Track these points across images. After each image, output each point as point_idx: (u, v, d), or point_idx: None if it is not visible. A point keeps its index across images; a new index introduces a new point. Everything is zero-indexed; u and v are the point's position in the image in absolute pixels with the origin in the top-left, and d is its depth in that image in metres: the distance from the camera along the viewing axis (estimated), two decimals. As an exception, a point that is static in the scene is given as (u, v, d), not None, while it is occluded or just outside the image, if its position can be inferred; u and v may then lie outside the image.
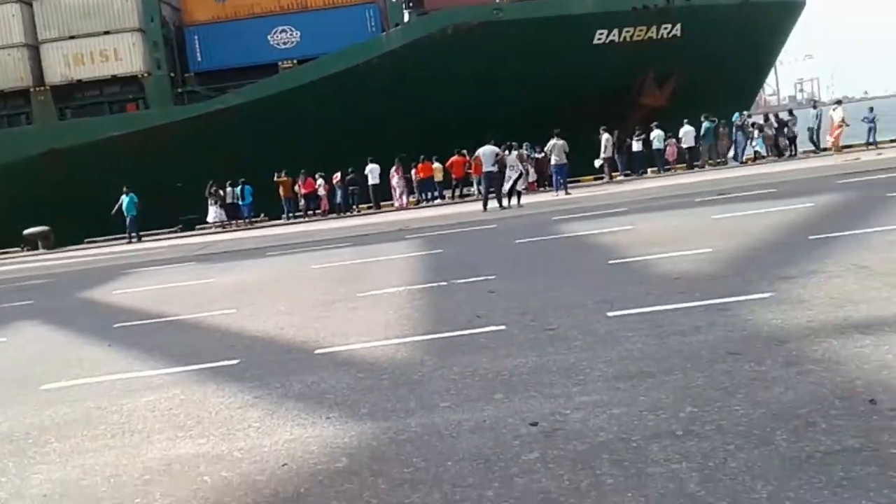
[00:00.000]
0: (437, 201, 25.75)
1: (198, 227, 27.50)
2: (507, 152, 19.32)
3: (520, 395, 4.46)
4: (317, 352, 6.34)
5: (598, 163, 25.14)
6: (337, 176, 25.87)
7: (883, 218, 9.48)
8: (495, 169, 18.68)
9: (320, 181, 25.98)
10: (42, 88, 28.75)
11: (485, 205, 18.87)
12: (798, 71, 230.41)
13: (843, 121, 23.97)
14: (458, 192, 25.92)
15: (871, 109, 24.75)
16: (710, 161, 25.31)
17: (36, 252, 25.52)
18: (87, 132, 27.55)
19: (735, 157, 25.48)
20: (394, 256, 12.31)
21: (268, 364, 6.15)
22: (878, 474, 2.90)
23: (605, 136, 24.23)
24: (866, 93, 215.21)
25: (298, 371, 5.77)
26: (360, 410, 4.59)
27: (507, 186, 18.87)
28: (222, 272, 13.15)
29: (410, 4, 30.74)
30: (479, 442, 3.80)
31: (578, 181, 25.56)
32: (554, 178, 22.33)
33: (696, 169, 24.98)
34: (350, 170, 25.54)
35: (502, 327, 6.32)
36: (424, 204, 25.79)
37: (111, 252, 21.60)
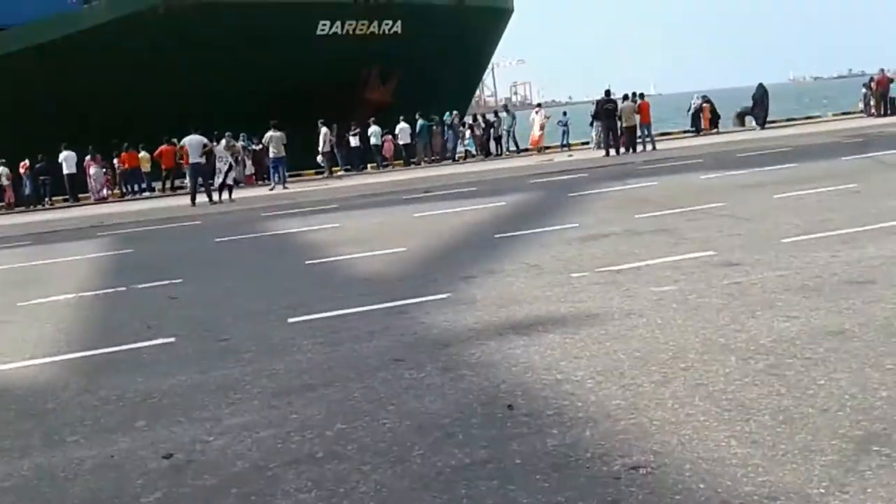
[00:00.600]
0: (146, 194, 23.94)
1: None
2: (215, 142, 18.34)
3: (164, 422, 4.01)
4: (-61, 378, 5.34)
5: (320, 158, 24.90)
6: (25, 164, 23.00)
7: (560, 217, 10.24)
8: (203, 160, 17.65)
9: (3, 169, 22.91)
10: None
11: (193, 199, 17.78)
12: (513, 74, 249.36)
13: (542, 124, 26.04)
14: (168, 185, 24.24)
15: (565, 114, 27.14)
16: (425, 158, 26.19)
17: None
18: None
19: (449, 156, 26.60)
20: (77, 257, 11.07)
21: None
22: (497, 489, 2.89)
23: (323, 130, 24.03)
24: (570, 97, 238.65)
25: None
26: (-34, 453, 3.85)
27: (218, 180, 17.90)
28: None
29: None
30: (97, 484, 3.31)
31: (300, 175, 25.17)
32: (271, 171, 21.73)
33: (413, 165, 25.71)
34: (40, 157, 22.83)
35: (171, 339, 5.78)
36: (130, 197, 23.84)
37: None
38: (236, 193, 19.02)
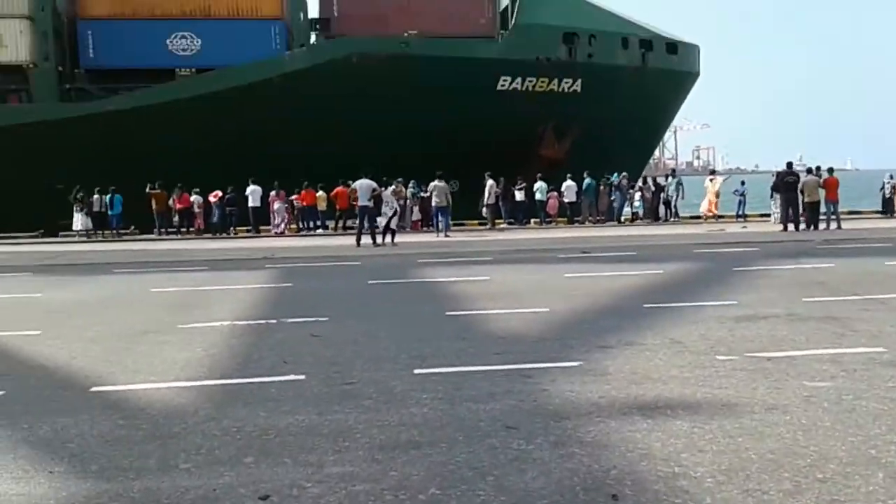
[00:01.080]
0: (319, 231, 25.22)
1: (62, 234, 25.92)
2: (384, 188, 19.03)
3: (271, 461, 4.08)
4: (93, 389, 5.78)
5: (484, 210, 25.25)
6: (218, 193, 24.98)
7: (718, 292, 9.67)
8: (370, 204, 18.37)
9: (196, 198, 25.00)
10: (-86, 69, 26.55)
11: (358, 240, 18.50)
12: (697, 138, 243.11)
13: (717, 192, 25.02)
14: (341, 224, 25.39)
15: (743, 183, 25.94)
16: (590, 217, 25.84)
17: None
18: (-42, 121, 25.60)
19: (614, 216, 26.10)
20: (242, 286, 11.75)
21: (32, 399, 5.55)
22: (577, 588, 2.66)
23: (489, 183, 24.39)
24: (757, 166, 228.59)
25: (58, 411, 5.21)
26: (91, 466, 4.10)
27: (381, 223, 18.57)
28: (55, 287, 12.25)
29: (317, 27, 30.42)
30: (193, 516, 3.40)
31: (464, 224, 25.62)
32: (434, 220, 22.26)
33: (577, 224, 25.45)
34: (230, 189, 24.71)
35: (302, 377, 5.94)
36: (305, 233, 25.21)
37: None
38: (400, 238, 19.60)
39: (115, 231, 25.41)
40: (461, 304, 9.40)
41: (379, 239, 18.57)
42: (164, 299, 10.67)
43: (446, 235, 21.13)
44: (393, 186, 19.57)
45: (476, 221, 26.08)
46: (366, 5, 29.93)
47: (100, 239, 24.73)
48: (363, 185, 18.39)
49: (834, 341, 6.62)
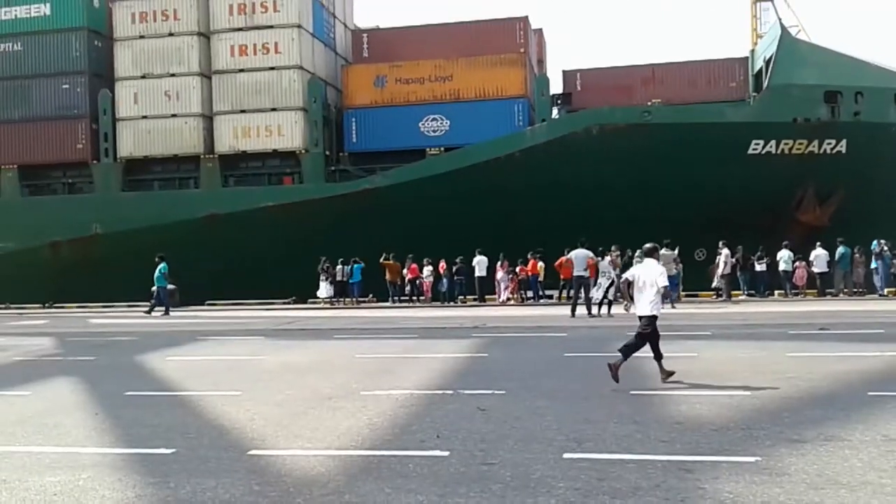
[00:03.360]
0: (543, 301, 25.04)
1: (309, 300, 28.19)
2: (600, 258, 18.49)
3: (363, 543, 3.90)
4: (250, 452, 6.01)
5: (715, 282, 23.59)
6: (442, 264, 25.83)
7: (973, 380, 8.04)
8: (586, 274, 17.90)
9: (429, 268, 26.03)
10: (211, 156, 30.68)
11: (573, 310, 18.04)
12: None
13: None
14: (565, 293, 25.03)
15: None
16: (844, 290, 23.13)
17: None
18: (243, 200, 29.15)
19: (877, 289, 23.12)
20: (439, 355, 11.83)
21: (196, 459, 5.87)
22: None
23: (724, 252, 22.79)
24: None
25: (209, 472, 5.46)
26: (200, 531, 4.18)
27: (597, 294, 18.01)
28: (277, 350, 13.17)
29: (559, 102, 30.98)
30: None
31: (697, 296, 24.16)
32: (660, 290, 21.16)
33: (829, 297, 22.89)
34: (458, 259, 25.43)
35: (446, 453, 5.74)
36: (531, 302, 25.17)
37: (208, 316, 22.51)
38: (620, 309, 18.79)
39: (354, 299, 27.11)
40: (652, 382, 8.67)
41: (595, 310, 17.98)
42: (364, 365, 11.03)
43: (672, 307, 19.93)
44: (609, 256, 18.95)
45: (712, 293, 24.42)
46: (609, 78, 30.01)
47: (340, 306, 26.49)
48: (579, 254, 18.03)
49: None
